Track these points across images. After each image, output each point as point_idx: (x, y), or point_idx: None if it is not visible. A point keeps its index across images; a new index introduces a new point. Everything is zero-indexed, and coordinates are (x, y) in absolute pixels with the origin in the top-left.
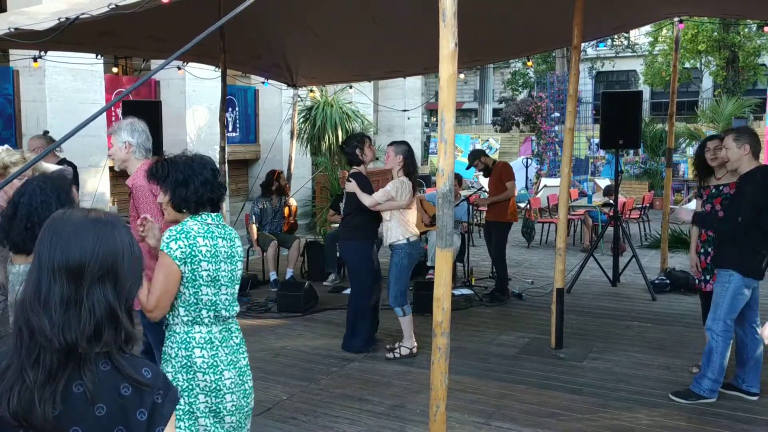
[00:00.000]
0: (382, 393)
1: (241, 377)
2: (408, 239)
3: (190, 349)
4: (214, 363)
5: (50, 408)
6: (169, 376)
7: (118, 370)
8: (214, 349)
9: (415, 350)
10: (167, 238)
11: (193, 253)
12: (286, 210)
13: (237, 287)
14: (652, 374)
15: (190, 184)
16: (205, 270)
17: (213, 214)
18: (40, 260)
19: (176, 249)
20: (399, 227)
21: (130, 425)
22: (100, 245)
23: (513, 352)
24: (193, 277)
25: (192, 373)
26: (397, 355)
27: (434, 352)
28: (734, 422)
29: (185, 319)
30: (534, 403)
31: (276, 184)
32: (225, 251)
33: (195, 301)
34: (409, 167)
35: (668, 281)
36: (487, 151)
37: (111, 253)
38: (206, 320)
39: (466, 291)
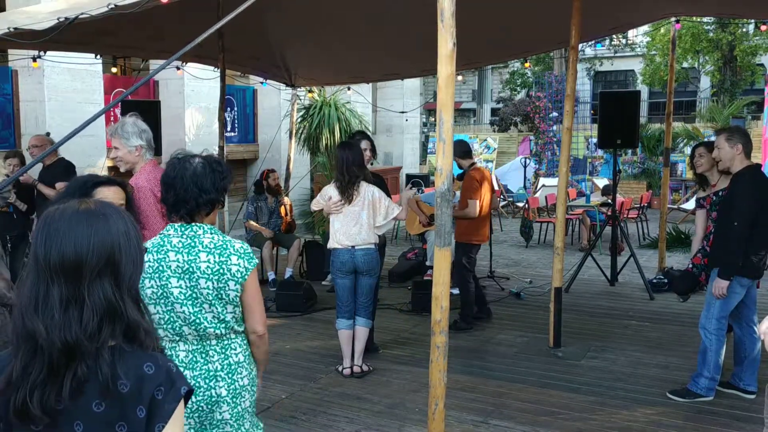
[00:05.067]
0: (381, 392)
1: (209, 405)
2: (330, 249)
3: None
4: None
5: (52, 406)
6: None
7: (113, 366)
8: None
9: (345, 372)
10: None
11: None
12: (282, 209)
13: (210, 306)
14: (649, 373)
15: (170, 190)
16: (149, 287)
17: (177, 225)
18: (36, 261)
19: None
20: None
21: (130, 422)
22: (95, 238)
23: (511, 351)
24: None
25: None
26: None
27: (433, 351)
28: (731, 420)
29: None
30: (532, 402)
31: (266, 183)
32: (178, 266)
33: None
34: (336, 172)
35: (666, 280)
36: (484, 151)
37: (107, 244)
38: (164, 338)
39: None
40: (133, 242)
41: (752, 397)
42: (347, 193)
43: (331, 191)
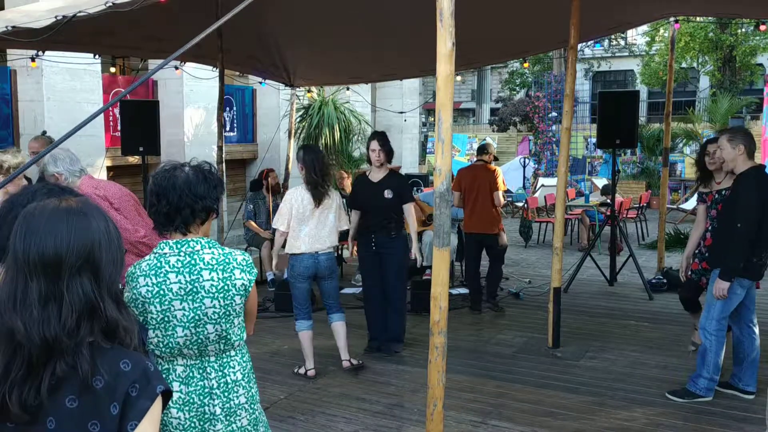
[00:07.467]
0: (380, 392)
1: (201, 422)
2: (291, 253)
3: None
4: None
5: (31, 403)
6: None
7: (92, 363)
8: (169, 382)
9: (310, 373)
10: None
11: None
12: None
13: (213, 326)
14: (648, 373)
15: (162, 200)
16: (150, 313)
17: (172, 242)
18: (15, 258)
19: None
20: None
21: (103, 419)
22: (75, 235)
23: (510, 351)
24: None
25: None
26: (299, 372)
27: (431, 351)
28: (730, 421)
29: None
30: (531, 402)
31: (265, 183)
32: (180, 287)
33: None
34: (308, 173)
35: (665, 281)
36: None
37: (87, 242)
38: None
39: (463, 290)
40: (114, 242)
41: (751, 397)
42: (320, 193)
43: (301, 193)
